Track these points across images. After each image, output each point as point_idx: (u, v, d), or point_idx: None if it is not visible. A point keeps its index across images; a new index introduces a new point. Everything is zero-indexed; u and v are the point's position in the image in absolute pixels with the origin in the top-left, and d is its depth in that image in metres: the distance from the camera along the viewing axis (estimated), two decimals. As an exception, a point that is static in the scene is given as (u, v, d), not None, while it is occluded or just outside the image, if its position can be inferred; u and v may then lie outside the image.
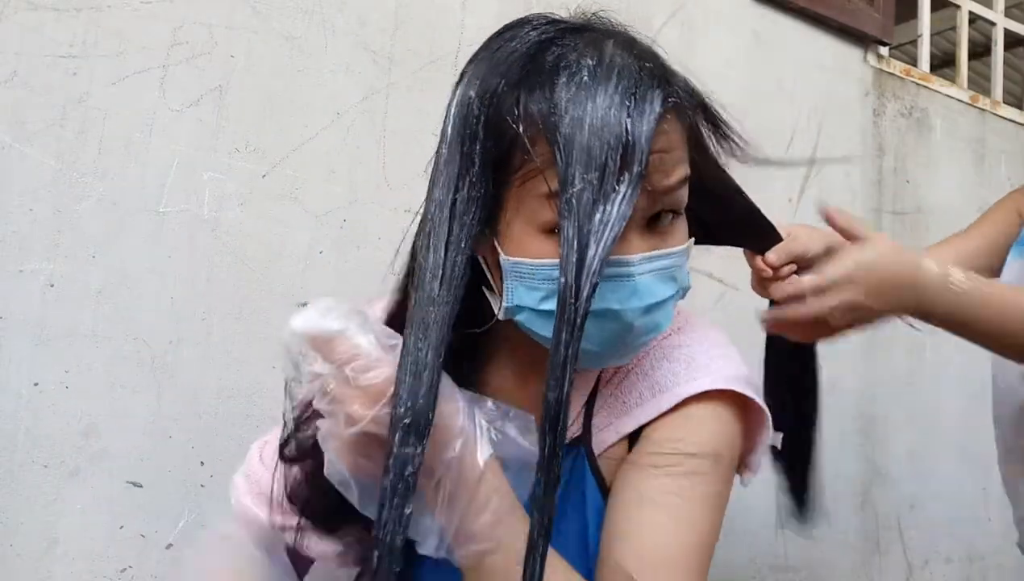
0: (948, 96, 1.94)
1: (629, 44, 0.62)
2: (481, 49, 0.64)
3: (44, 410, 0.96)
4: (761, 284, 0.95)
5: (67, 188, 0.99)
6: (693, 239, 0.66)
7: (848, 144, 1.76)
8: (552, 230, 0.58)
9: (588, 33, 0.62)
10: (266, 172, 1.11)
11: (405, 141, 1.22)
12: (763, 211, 0.82)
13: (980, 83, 2.36)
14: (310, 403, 0.56)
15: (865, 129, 1.79)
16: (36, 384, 0.96)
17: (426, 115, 1.22)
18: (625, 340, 0.62)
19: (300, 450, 0.65)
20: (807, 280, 0.80)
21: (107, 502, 0.98)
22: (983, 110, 2.00)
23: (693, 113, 0.64)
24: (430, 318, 0.55)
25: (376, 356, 0.53)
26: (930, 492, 1.82)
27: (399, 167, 1.21)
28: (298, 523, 0.68)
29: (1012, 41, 2.27)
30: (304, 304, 0.57)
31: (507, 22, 0.64)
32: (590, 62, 0.58)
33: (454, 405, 0.56)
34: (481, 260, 0.66)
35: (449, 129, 0.61)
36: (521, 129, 0.58)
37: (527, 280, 0.60)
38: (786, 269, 0.93)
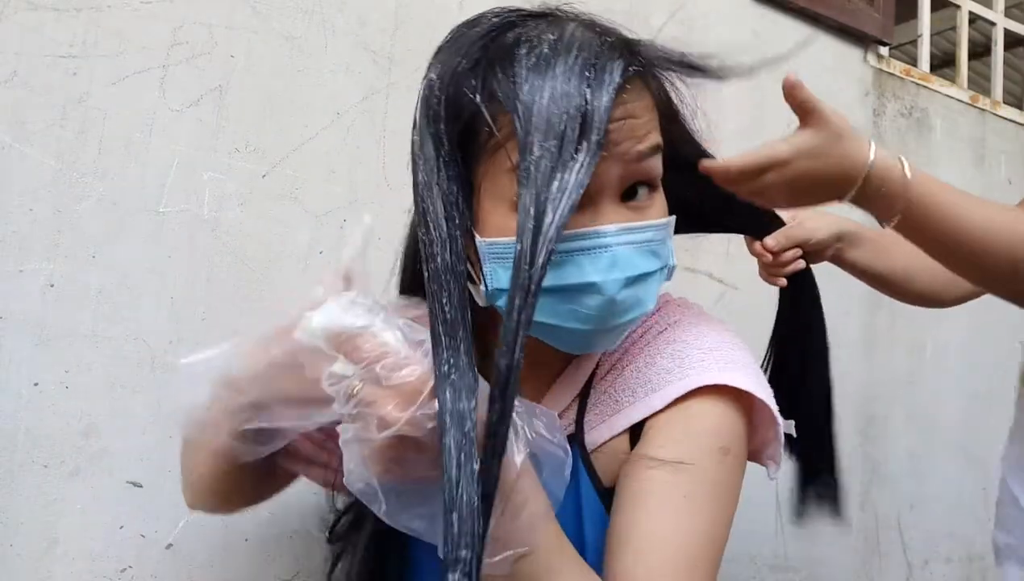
0: (948, 96, 1.94)
1: (591, 23, 0.62)
2: (445, 39, 0.64)
3: (44, 410, 0.96)
4: (765, 269, 0.95)
5: (67, 188, 0.99)
6: (674, 217, 0.65)
7: (848, 144, 1.75)
8: None
9: (551, 17, 0.63)
10: (266, 172, 1.11)
11: (405, 141, 1.20)
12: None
13: (980, 83, 2.36)
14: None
15: (865, 129, 1.79)
16: (36, 384, 0.96)
17: (426, 115, 1.22)
18: (609, 317, 0.60)
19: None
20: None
21: (107, 502, 0.98)
22: (983, 110, 2.00)
23: (661, 81, 0.64)
24: (450, 284, 0.55)
25: (406, 353, 0.51)
26: (930, 492, 1.82)
27: (399, 167, 1.21)
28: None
29: (1012, 41, 2.26)
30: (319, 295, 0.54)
31: None
32: (551, 37, 0.59)
33: (485, 404, 0.54)
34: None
35: (417, 116, 0.61)
36: (481, 102, 0.58)
37: (504, 260, 0.59)
38: (789, 254, 0.92)
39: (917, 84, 1.89)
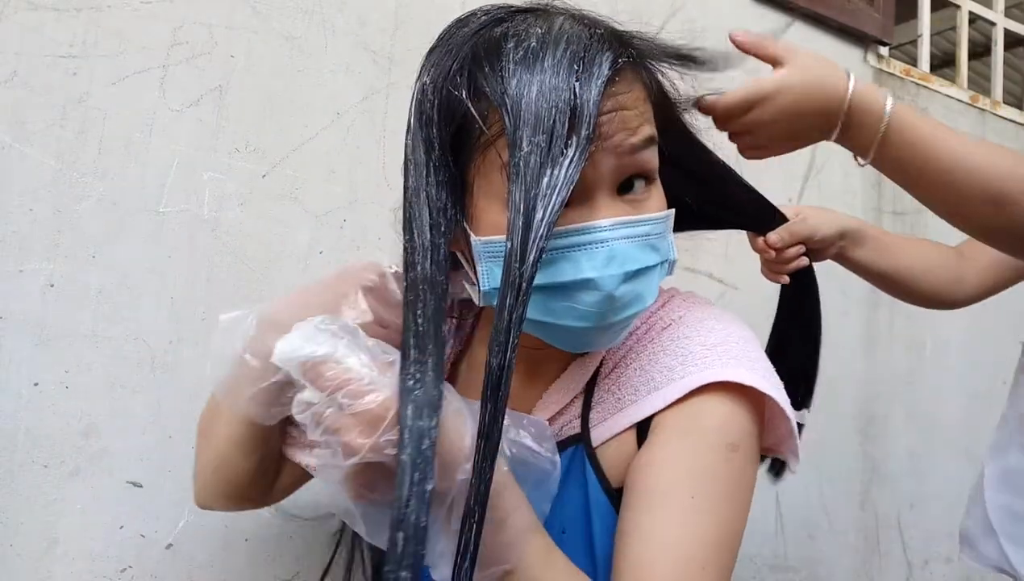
0: (948, 96, 1.94)
1: (580, 17, 0.62)
2: (437, 39, 0.64)
3: (44, 410, 0.96)
4: (767, 266, 0.94)
5: (67, 188, 0.99)
6: (673, 210, 0.64)
7: (848, 144, 1.75)
8: None
9: (540, 12, 0.62)
10: (266, 172, 1.11)
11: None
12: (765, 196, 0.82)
13: (980, 83, 2.36)
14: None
15: (865, 129, 1.79)
16: (36, 384, 0.96)
17: (426, 115, 1.22)
18: (608, 314, 0.59)
19: None
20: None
21: (107, 502, 0.98)
22: (983, 110, 2.01)
23: (653, 72, 0.63)
24: (427, 295, 0.55)
25: (370, 379, 0.50)
26: (930, 492, 1.82)
27: (399, 167, 1.20)
28: None
29: (1012, 41, 2.27)
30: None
31: None
32: (539, 31, 0.58)
33: (461, 420, 0.53)
34: (460, 256, 0.65)
35: (411, 119, 0.61)
36: (470, 100, 0.57)
37: (499, 259, 0.58)
38: (792, 251, 0.91)
39: (917, 84, 1.89)
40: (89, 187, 1.00)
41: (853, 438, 1.72)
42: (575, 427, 0.69)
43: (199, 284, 1.06)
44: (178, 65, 1.06)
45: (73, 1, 1.00)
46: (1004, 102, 2.08)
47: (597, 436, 0.67)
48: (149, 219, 1.03)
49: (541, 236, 0.53)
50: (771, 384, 0.65)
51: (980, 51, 2.41)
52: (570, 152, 0.54)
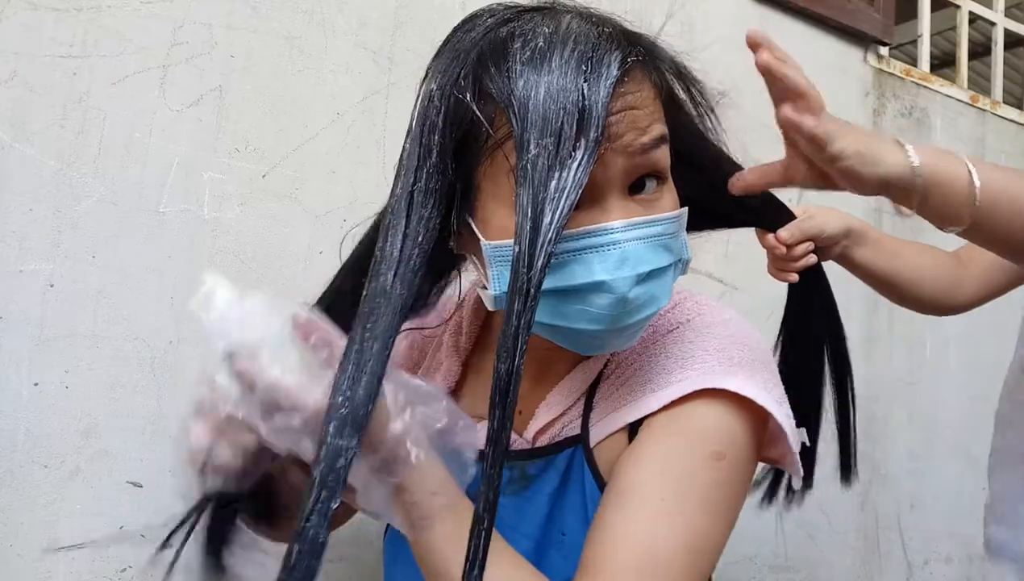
0: (948, 96, 1.94)
1: (587, 15, 0.61)
2: (443, 44, 0.63)
3: (44, 410, 0.96)
4: (776, 264, 0.94)
5: (67, 188, 0.99)
6: (686, 209, 0.63)
7: (848, 144, 1.75)
8: None
9: (547, 11, 0.61)
10: (266, 172, 1.11)
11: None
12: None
13: (980, 83, 2.36)
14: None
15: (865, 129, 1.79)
16: (36, 384, 0.96)
17: (426, 115, 1.22)
18: (622, 316, 0.58)
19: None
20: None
21: (107, 502, 0.98)
22: (983, 110, 2.00)
23: (663, 71, 0.62)
24: (380, 310, 0.53)
25: (287, 397, 0.50)
26: (930, 492, 1.82)
27: (399, 167, 1.20)
28: None
29: (1012, 41, 2.26)
30: None
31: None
32: (546, 31, 0.57)
33: (386, 412, 0.53)
34: (471, 260, 0.65)
35: (413, 125, 0.60)
36: (478, 104, 0.56)
37: (509, 262, 0.57)
38: (801, 247, 0.91)
39: (917, 84, 1.89)
40: (89, 187, 1.00)
41: (853, 438, 1.72)
42: (575, 428, 0.68)
43: (199, 284, 1.06)
44: (178, 65, 1.06)
45: (73, 1, 1.00)
46: (1004, 102, 2.08)
47: (594, 436, 0.67)
48: (149, 219, 1.03)
49: (549, 241, 0.52)
50: (772, 397, 0.63)
51: (980, 51, 2.41)
52: (578, 154, 0.53)
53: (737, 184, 0.68)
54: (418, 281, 0.56)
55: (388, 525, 0.75)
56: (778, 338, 0.93)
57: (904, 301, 1.12)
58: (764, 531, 1.55)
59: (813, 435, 0.85)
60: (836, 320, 0.91)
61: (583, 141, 0.54)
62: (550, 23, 0.58)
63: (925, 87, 1.90)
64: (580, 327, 0.59)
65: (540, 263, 0.52)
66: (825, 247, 0.96)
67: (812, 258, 0.91)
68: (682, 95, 0.66)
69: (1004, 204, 0.68)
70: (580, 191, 0.53)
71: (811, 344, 0.90)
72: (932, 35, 2.05)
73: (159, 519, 1.01)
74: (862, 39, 1.79)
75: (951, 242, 0.98)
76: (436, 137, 0.58)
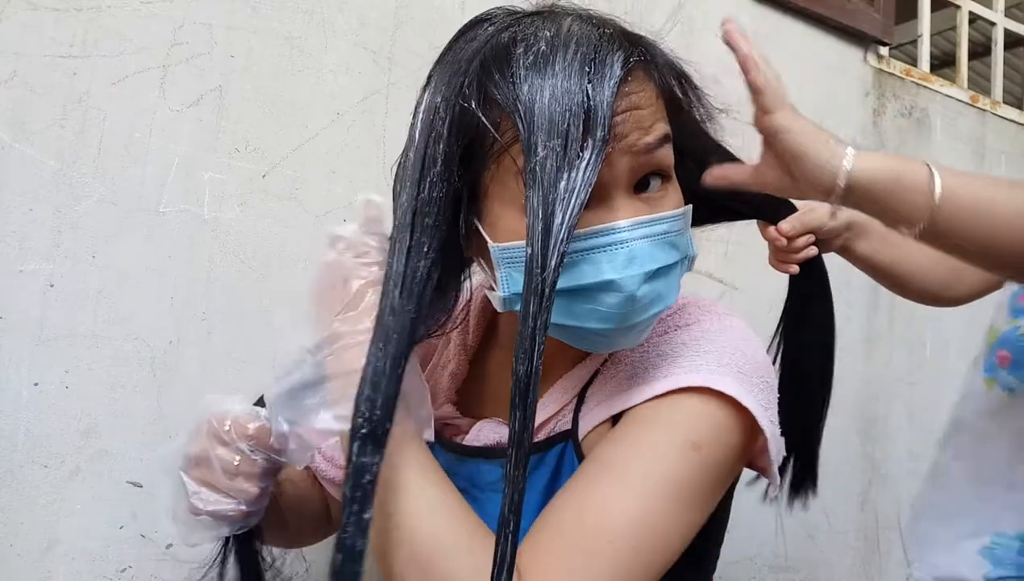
0: (948, 96, 1.94)
1: (588, 16, 0.62)
2: (444, 51, 0.63)
3: (44, 410, 0.96)
4: (776, 255, 0.95)
5: (67, 188, 0.99)
6: (691, 206, 0.64)
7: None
8: None
9: (547, 14, 0.62)
10: (266, 172, 1.11)
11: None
12: None
13: (980, 83, 2.36)
14: None
15: (865, 129, 1.79)
16: (36, 384, 0.96)
17: (426, 115, 1.22)
18: (631, 314, 0.58)
19: None
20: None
21: (107, 502, 0.99)
22: (983, 110, 2.00)
23: (664, 71, 0.63)
24: (390, 328, 0.54)
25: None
26: (930, 492, 1.82)
27: (399, 167, 1.21)
28: None
29: (1012, 41, 2.26)
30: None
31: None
32: (547, 34, 0.58)
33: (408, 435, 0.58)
34: (480, 263, 0.65)
35: (416, 134, 0.60)
36: (483, 111, 0.57)
37: (518, 264, 0.58)
38: (802, 240, 0.92)
39: (917, 84, 1.89)
40: (89, 187, 1.00)
41: (853, 438, 1.72)
42: (567, 423, 0.69)
43: (199, 284, 1.06)
44: (178, 65, 1.06)
45: (73, 1, 1.00)
46: (1004, 102, 2.08)
47: (582, 429, 0.67)
48: (149, 219, 1.03)
49: (562, 241, 0.53)
50: (757, 401, 0.62)
51: (980, 51, 2.41)
52: (586, 155, 0.54)
53: (708, 178, 0.70)
54: (428, 293, 0.57)
55: None
56: (777, 329, 0.93)
57: (905, 292, 1.12)
58: (764, 531, 1.55)
59: (814, 434, 0.86)
60: (830, 314, 0.91)
61: (590, 141, 0.54)
62: (551, 27, 0.59)
63: (925, 87, 1.90)
64: (590, 326, 0.59)
65: (553, 263, 0.52)
66: (826, 239, 0.96)
67: (813, 250, 0.92)
68: (682, 94, 0.66)
69: (967, 210, 0.69)
70: (589, 191, 0.54)
71: (812, 336, 0.90)
72: (932, 35, 2.06)
73: (159, 519, 1.01)
74: (862, 39, 1.79)
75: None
76: (442, 146, 0.58)
